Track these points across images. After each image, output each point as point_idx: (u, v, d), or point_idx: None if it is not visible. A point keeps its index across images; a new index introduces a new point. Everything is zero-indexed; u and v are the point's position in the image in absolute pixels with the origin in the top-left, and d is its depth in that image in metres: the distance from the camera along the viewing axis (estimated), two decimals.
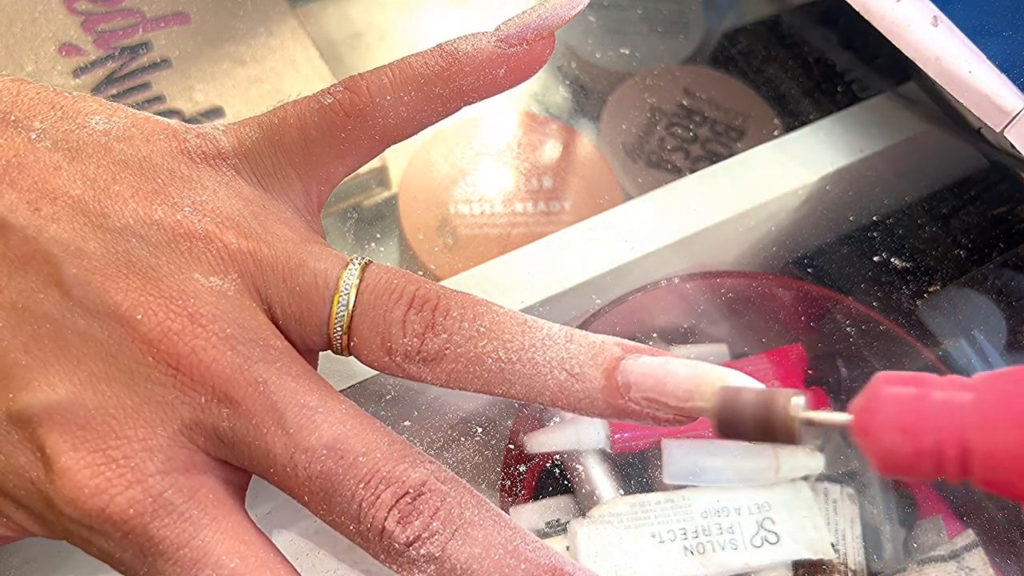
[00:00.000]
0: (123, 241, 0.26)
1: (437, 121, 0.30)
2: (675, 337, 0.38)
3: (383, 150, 0.30)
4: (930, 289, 0.39)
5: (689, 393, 0.25)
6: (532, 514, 0.33)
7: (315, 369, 0.28)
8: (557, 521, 0.33)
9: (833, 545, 0.33)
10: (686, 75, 0.49)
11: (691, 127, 0.47)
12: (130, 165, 0.27)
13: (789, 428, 0.23)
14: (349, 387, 0.33)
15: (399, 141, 0.30)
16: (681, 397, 0.25)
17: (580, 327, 0.35)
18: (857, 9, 0.37)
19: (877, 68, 0.48)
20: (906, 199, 0.43)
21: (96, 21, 0.42)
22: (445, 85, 0.29)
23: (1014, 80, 0.34)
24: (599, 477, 0.33)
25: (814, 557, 0.32)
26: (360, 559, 0.29)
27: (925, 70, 0.36)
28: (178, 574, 0.25)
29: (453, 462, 0.33)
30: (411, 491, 0.25)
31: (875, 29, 0.37)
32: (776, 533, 0.32)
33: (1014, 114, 0.34)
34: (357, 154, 0.30)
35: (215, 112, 0.41)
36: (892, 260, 0.40)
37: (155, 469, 0.25)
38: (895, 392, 0.22)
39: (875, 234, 0.41)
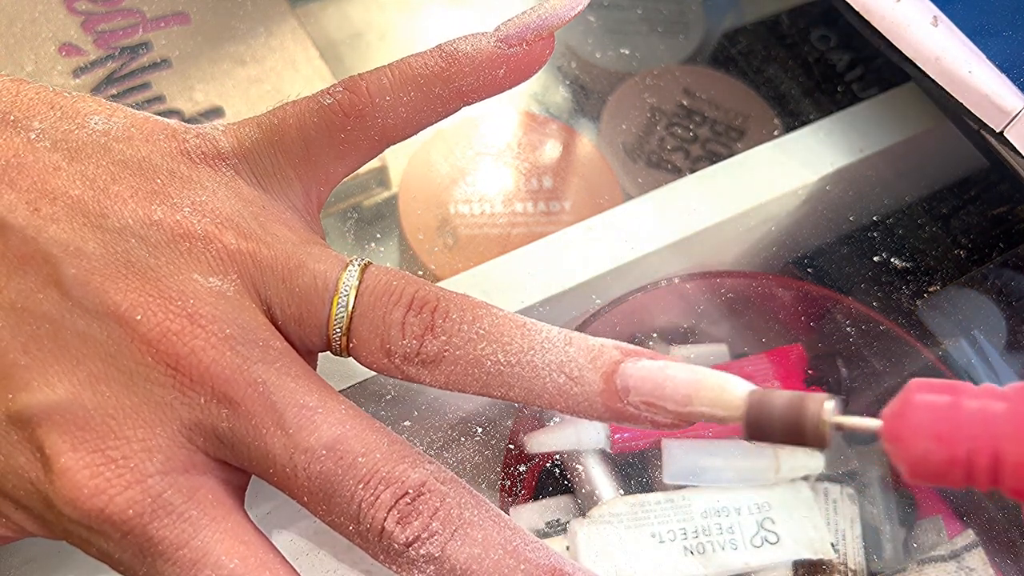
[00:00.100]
0: (122, 241, 0.26)
1: (437, 121, 0.30)
2: (675, 337, 0.38)
3: (383, 150, 0.30)
4: (930, 289, 0.39)
5: (688, 398, 0.25)
6: (532, 514, 0.33)
7: (314, 370, 0.28)
8: (557, 521, 0.33)
9: (833, 545, 0.33)
10: (686, 75, 0.49)
11: (691, 127, 0.47)
12: (129, 165, 0.27)
13: (820, 432, 0.23)
14: (349, 387, 0.33)
15: (399, 141, 0.30)
16: (680, 401, 0.25)
17: (580, 327, 0.35)
18: (857, 9, 0.37)
19: (877, 68, 0.48)
20: (906, 199, 0.43)
21: (96, 21, 0.42)
22: (445, 85, 0.29)
23: (1014, 80, 0.34)
24: (599, 477, 0.33)
25: (814, 557, 0.32)
26: (360, 559, 0.29)
27: (925, 70, 0.36)
28: (177, 574, 0.25)
29: (453, 462, 0.33)
30: (410, 491, 0.25)
31: (875, 29, 0.37)
32: (776, 533, 0.32)
33: (1014, 114, 0.34)
34: (357, 154, 0.30)
35: (215, 112, 0.41)
36: (892, 260, 0.40)
37: (154, 469, 0.25)
38: (928, 399, 0.22)
39: (875, 234, 0.41)
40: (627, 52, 0.49)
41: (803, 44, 0.50)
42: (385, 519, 0.25)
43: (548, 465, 0.34)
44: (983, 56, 0.35)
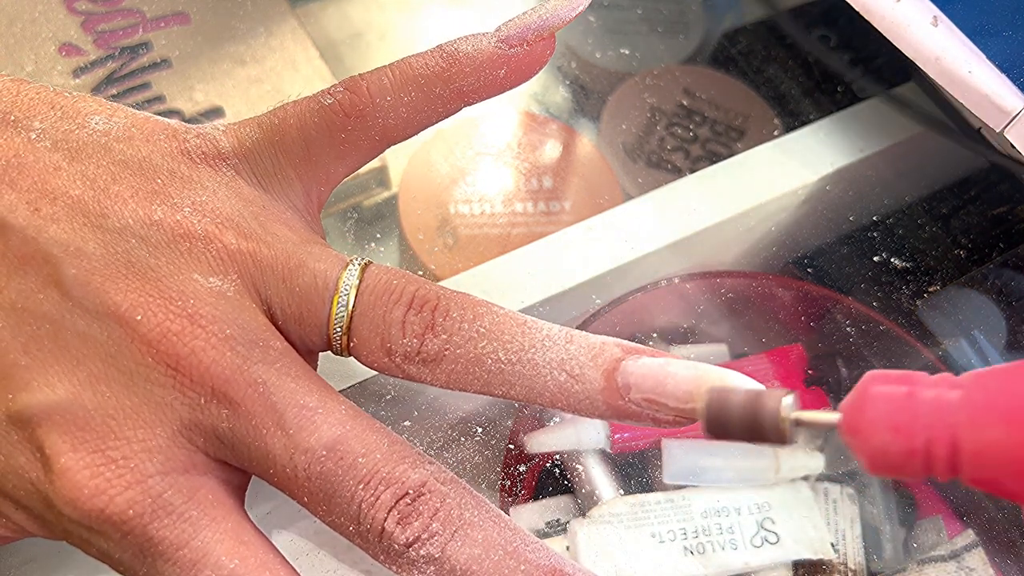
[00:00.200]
0: (123, 241, 0.26)
1: (437, 122, 0.30)
2: (675, 337, 0.38)
3: (383, 150, 0.30)
4: (930, 289, 0.39)
5: (689, 394, 0.25)
6: (532, 514, 0.33)
7: (315, 370, 0.28)
8: (557, 521, 0.33)
9: (833, 545, 0.33)
10: (686, 75, 0.49)
11: (691, 127, 0.47)
12: (130, 165, 0.27)
13: (779, 428, 0.23)
14: (349, 387, 0.33)
15: (399, 142, 0.30)
16: (681, 398, 0.25)
17: (580, 327, 0.35)
18: (857, 9, 0.37)
19: (877, 68, 0.48)
20: (906, 199, 0.43)
21: (96, 21, 0.42)
22: (445, 86, 0.29)
23: (1014, 80, 0.34)
24: (599, 477, 0.33)
25: (814, 557, 0.32)
26: (360, 559, 0.29)
27: (925, 70, 0.36)
28: (177, 574, 0.25)
29: (453, 462, 0.33)
30: (411, 492, 0.25)
31: (875, 29, 0.37)
32: (776, 533, 0.32)
33: (1014, 114, 0.34)
34: (357, 154, 0.30)
35: (215, 112, 0.41)
36: (892, 260, 0.40)
37: (154, 470, 0.25)
38: (885, 391, 0.22)
39: (875, 234, 0.41)
40: (627, 52, 0.49)
41: (803, 44, 0.50)
42: (385, 520, 0.25)
43: (548, 465, 0.34)
44: (983, 56, 0.35)
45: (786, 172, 0.39)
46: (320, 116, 0.28)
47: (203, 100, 0.41)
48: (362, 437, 0.26)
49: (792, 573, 0.32)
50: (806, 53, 0.50)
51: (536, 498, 0.33)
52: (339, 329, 0.27)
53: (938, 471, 0.21)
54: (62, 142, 0.27)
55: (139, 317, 0.25)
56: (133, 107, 0.29)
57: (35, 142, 0.27)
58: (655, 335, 0.38)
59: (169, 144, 0.28)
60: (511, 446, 0.33)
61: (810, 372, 0.37)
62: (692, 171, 0.42)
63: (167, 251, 0.26)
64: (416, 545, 0.25)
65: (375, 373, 0.32)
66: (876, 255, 0.40)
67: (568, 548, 0.32)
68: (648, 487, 0.33)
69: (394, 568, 0.26)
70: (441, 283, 0.35)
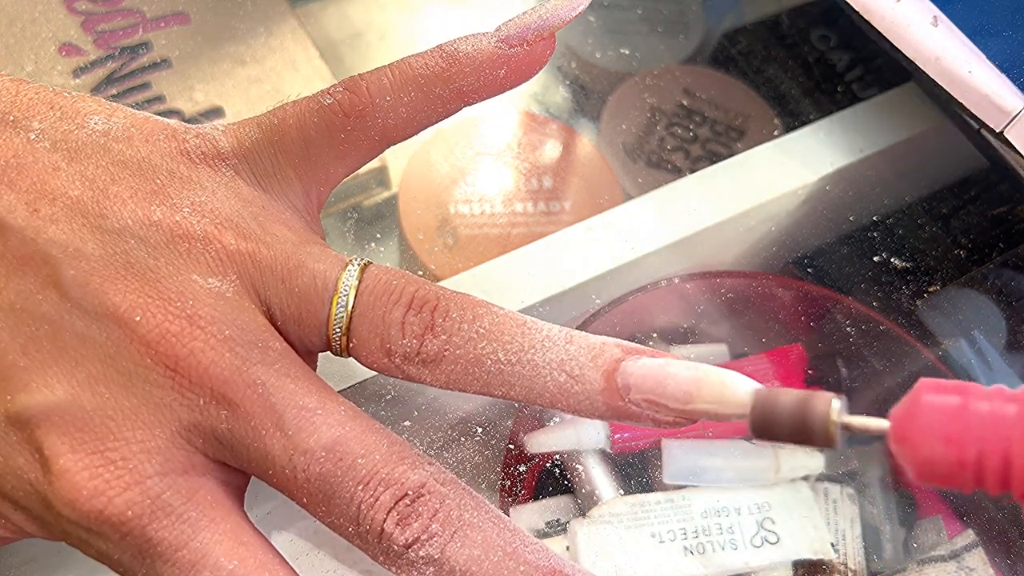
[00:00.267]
0: (122, 242, 0.26)
1: (437, 122, 0.30)
2: (675, 337, 0.38)
3: (383, 151, 0.30)
4: (930, 289, 0.39)
5: (689, 395, 0.25)
6: (532, 514, 0.33)
7: (314, 370, 0.28)
8: (557, 521, 0.33)
9: (833, 545, 0.33)
10: (686, 75, 0.49)
11: (691, 127, 0.47)
12: (129, 166, 0.27)
13: (827, 432, 0.23)
14: (348, 387, 0.33)
15: (399, 142, 0.30)
16: (681, 399, 0.25)
17: (580, 327, 0.35)
18: (857, 9, 0.37)
19: (877, 68, 0.48)
20: (906, 199, 0.43)
21: (96, 21, 0.42)
22: (445, 86, 0.29)
23: (1014, 80, 0.34)
24: (599, 477, 0.33)
25: (814, 557, 0.32)
26: (359, 559, 0.29)
27: (925, 70, 0.36)
28: (176, 575, 0.25)
29: (453, 462, 0.33)
30: (410, 493, 0.25)
31: (875, 29, 0.37)
32: (776, 533, 0.32)
33: (1014, 114, 0.34)
34: (357, 155, 0.29)
35: (215, 112, 0.41)
36: (892, 260, 0.40)
37: (153, 471, 0.25)
38: (937, 400, 0.22)
39: (875, 234, 0.41)
40: (627, 52, 0.49)
41: (803, 44, 0.50)
42: (384, 520, 0.25)
43: (548, 465, 0.34)
44: (983, 56, 0.35)
45: (786, 172, 0.39)
46: (320, 116, 0.28)
47: (203, 100, 0.41)
48: (361, 438, 0.26)
49: (792, 573, 0.32)
50: (806, 53, 0.49)
51: (536, 498, 0.33)
52: (338, 330, 0.27)
53: (989, 485, 0.21)
54: (61, 142, 0.27)
55: (138, 318, 0.25)
56: (133, 107, 0.29)
57: (34, 142, 0.27)
58: (655, 335, 0.38)
59: (168, 144, 0.28)
60: (511, 446, 0.33)
61: (810, 372, 0.37)
62: (692, 171, 0.42)
63: (166, 252, 0.26)
64: (415, 546, 0.25)
65: (374, 373, 0.32)
66: (876, 255, 0.40)
67: (568, 548, 0.32)
68: (648, 487, 0.33)
69: (393, 569, 0.26)
70: (441, 283, 0.35)
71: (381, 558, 0.26)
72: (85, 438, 0.24)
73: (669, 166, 0.46)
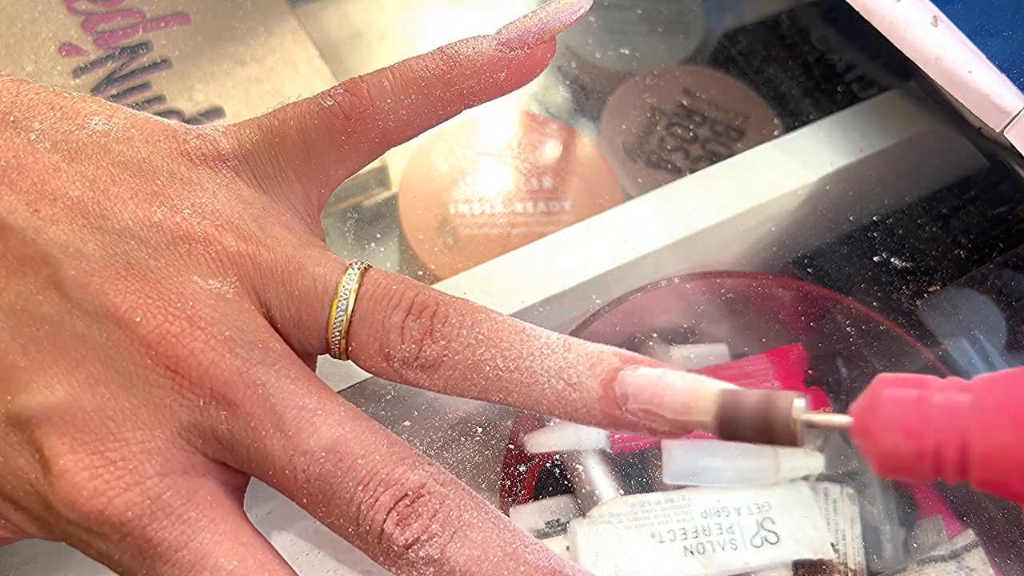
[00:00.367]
0: (122, 243, 0.26)
1: (437, 124, 0.30)
2: (675, 337, 0.38)
3: (383, 152, 0.30)
4: (930, 289, 0.39)
5: (686, 406, 0.25)
6: (532, 514, 0.33)
7: (313, 372, 0.28)
8: (557, 521, 0.33)
9: (833, 545, 0.33)
10: (686, 75, 0.49)
11: (691, 127, 0.47)
12: (129, 166, 0.27)
13: (790, 430, 0.23)
14: (348, 388, 0.33)
15: (399, 144, 0.30)
16: (678, 410, 0.25)
17: (580, 327, 0.35)
18: (857, 9, 0.37)
19: (877, 68, 0.48)
20: (906, 199, 0.43)
21: (96, 21, 0.42)
22: (446, 88, 0.29)
23: (1014, 80, 0.34)
24: (599, 477, 0.33)
25: (814, 557, 0.32)
26: (359, 559, 0.29)
27: (925, 70, 0.36)
28: None
29: (453, 462, 0.33)
30: (410, 493, 0.25)
31: (875, 29, 0.37)
32: (776, 533, 0.32)
33: (1014, 114, 0.34)
34: (357, 156, 0.29)
35: (215, 112, 0.41)
36: (892, 260, 0.40)
37: (153, 471, 0.25)
38: (896, 394, 0.22)
39: (875, 234, 0.41)
40: (627, 52, 0.49)
41: (803, 44, 0.50)
42: (384, 521, 0.25)
43: (548, 465, 0.34)
44: (983, 56, 0.35)
45: (786, 172, 0.39)
46: (320, 118, 0.28)
47: (203, 100, 0.41)
48: (361, 438, 0.26)
49: (792, 573, 0.32)
50: (806, 53, 0.49)
51: (536, 498, 0.34)
52: (338, 333, 0.27)
53: (947, 474, 0.21)
54: (62, 143, 0.27)
55: (138, 319, 0.25)
56: (133, 107, 0.29)
57: (35, 143, 0.27)
58: (655, 335, 0.38)
59: (169, 145, 0.28)
60: (511, 446, 0.33)
61: (810, 372, 0.37)
62: (692, 171, 0.42)
63: (167, 253, 0.26)
64: (415, 546, 0.25)
65: None
66: (876, 255, 0.40)
67: (568, 548, 0.32)
68: (648, 487, 0.33)
69: (393, 569, 0.26)
70: (441, 283, 0.35)
71: (381, 558, 0.26)
72: (85, 439, 0.25)
73: (669, 166, 0.46)
